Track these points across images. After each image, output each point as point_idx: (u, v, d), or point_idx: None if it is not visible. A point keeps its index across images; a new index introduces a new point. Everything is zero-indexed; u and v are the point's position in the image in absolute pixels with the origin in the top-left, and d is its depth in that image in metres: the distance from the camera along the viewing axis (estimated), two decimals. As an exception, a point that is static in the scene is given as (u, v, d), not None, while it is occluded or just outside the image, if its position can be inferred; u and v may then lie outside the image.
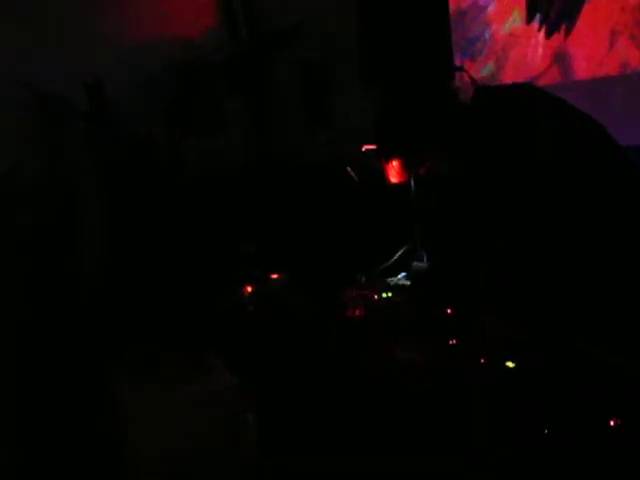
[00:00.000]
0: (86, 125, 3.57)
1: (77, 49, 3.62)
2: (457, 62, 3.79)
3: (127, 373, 2.63)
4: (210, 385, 2.53)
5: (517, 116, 2.26)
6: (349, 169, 3.55)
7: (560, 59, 3.56)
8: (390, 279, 3.01)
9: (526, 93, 2.37)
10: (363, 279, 2.90)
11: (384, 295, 2.76)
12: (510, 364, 2.14)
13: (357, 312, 2.63)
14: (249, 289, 3.00)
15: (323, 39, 4.09)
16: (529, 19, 3.66)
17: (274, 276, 3.11)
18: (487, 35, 3.80)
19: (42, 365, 3.02)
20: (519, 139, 2.22)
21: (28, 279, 3.08)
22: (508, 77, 3.76)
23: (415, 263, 3.01)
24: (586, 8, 3.44)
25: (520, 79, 3.64)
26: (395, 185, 2.44)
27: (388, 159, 2.39)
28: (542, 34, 3.58)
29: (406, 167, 2.37)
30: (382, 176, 2.67)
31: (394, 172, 2.40)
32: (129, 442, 2.47)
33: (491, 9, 3.80)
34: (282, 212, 3.77)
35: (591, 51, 3.45)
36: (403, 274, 3.08)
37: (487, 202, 2.35)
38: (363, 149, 3.55)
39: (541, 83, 3.54)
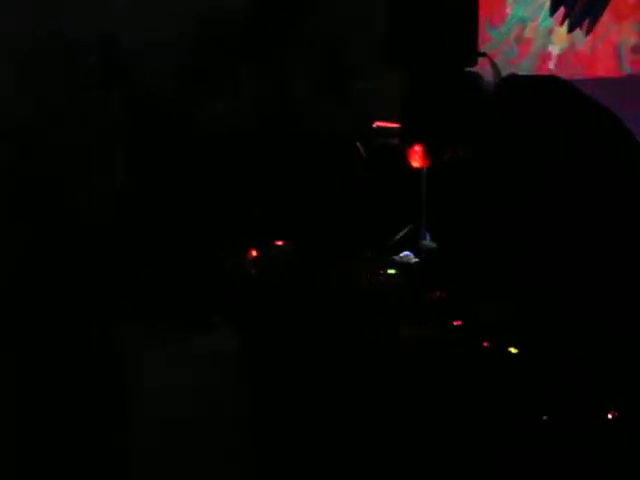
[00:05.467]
0: (101, 78, 3.56)
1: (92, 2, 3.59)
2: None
3: (129, 327, 2.64)
4: (211, 346, 2.55)
5: (542, 110, 2.27)
6: (358, 145, 3.55)
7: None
8: (395, 256, 3.03)
9: (553, 86, 2.38)
10: (369, 254, 2.92)
11: (389, 271, 2.78)
12: (513, 350, 2.18)
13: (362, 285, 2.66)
14: (253, 253, 3.02)
15: (345, 9, 4.07)
16: (552, 11, 3.66)
17: (278, 243, 3.13)
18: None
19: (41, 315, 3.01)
20: (542, 133, 2.23)
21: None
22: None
23: (423, 242, 3.03)
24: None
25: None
26: (416, 169, 2.45)
27: (411, 144, 2.39)
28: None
29: (429, 153, 2.37)
30: (400, 157, 2.68)
31: (417, 157, 2.40)
32: (130, 405, 2.49)
33: None
34: (292, 179, 3.77)
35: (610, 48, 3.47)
36: (407, 252, 3.10)
37: (501, 193, 2.36)
38: (375, 125, 3.55)
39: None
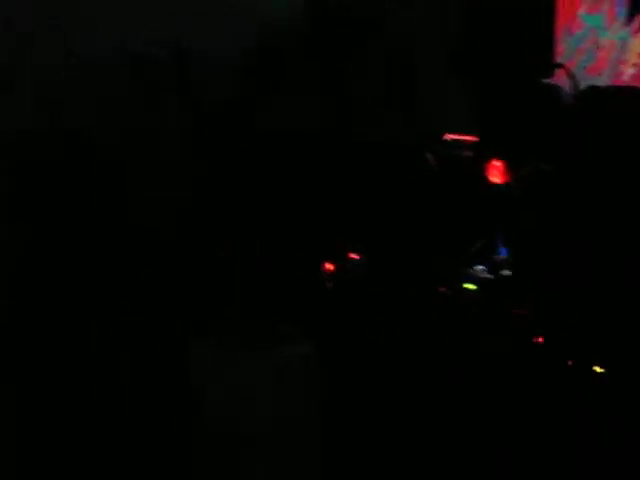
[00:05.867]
0: (174, 86, 3.61)
1: (162, 13, 3.65)
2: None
3: (205, 337, 2.66)
4: (287, 353, 2.55)
5: (623, 121, 2.23)
6: (428, 156, 3.52)
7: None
8: (469, 269, 3.00)
9: (632, 97, 2.34)
10: (447, 267, 2.90)
11: (466, 286, 2.76)
12: (598, 369, 2.14)
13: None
14: (330, 267, 3.03)
15: (412, 20, 4.05)
16: (628, 20, 3.59)
17: (353, 256, 3.13)
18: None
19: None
20: (623, 144, 2.19)
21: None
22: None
23: (498, 256, 3.00)
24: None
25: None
26: (494, 185, 2.42)
27: (490, 159, 2.36)
28: None
29: (510, 168, 2.33)
30: (473, 170, 2.65)
31: (496, 172, 2.36)
32: (205, 409, 2.52)
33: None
34: (363, 192, 3.76)
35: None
36: (481, 266, 3.07)
37: (583, 205, 2.33)
38: (447, 138, 3.51)
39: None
